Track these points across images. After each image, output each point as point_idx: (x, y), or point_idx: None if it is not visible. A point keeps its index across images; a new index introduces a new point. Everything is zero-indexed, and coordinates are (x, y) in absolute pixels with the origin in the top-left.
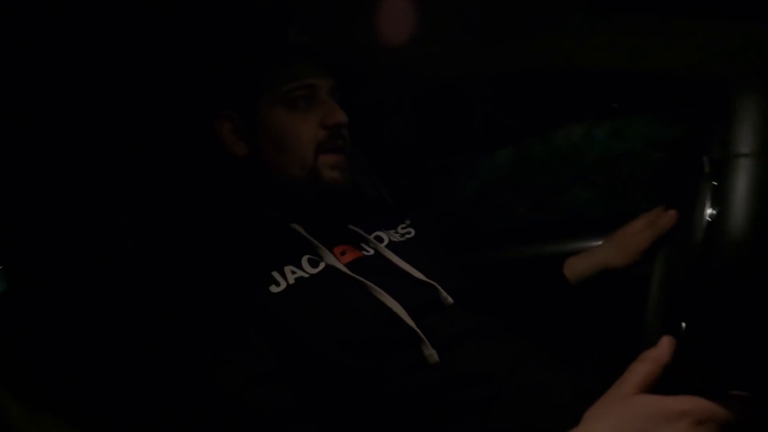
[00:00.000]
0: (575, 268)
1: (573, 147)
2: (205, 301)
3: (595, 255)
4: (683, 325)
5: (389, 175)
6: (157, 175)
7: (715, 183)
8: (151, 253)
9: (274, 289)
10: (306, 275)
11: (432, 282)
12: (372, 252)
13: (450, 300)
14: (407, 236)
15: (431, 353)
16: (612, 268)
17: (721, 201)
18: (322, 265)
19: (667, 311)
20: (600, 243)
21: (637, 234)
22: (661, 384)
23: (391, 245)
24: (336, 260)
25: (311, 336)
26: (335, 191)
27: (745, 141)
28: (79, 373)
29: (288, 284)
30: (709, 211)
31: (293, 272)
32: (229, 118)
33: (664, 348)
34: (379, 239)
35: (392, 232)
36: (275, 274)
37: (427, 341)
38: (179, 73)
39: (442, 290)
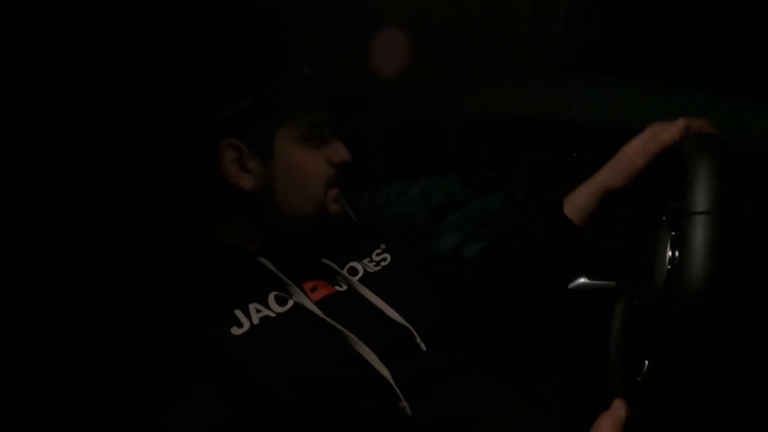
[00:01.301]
0: (576, 202)
1: (387, 202)
2: (155, 343)
3: (592, 182)
4: (646, 363)
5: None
6: (131, 192)
7: (674, 233)
8: (102, 281)
9: (235, 330)
10: (272, 314)
11: (406, 324)
12: (345, 288)
13: (423, 347)
14: (383, 264)
15: (404, 405)
16: (614, 189)
17: (680, 250)
18: (290, 303)
19: (629, 349)
20: None
21: (632, 153)
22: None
23: (366, 277)
24: (305, 298)
25: (274, 382)
26: (337, 222)
27: (700, 201)
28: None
29: (252, 324)
30: (669, 254)
31: (258, 311)
32: (235, 148)
33: (618, 407)
34: (354, 271)
35: (367, 261)
36: (238, 312)
37: (399, 393)
38: (191, 101)
39: (416, 334)
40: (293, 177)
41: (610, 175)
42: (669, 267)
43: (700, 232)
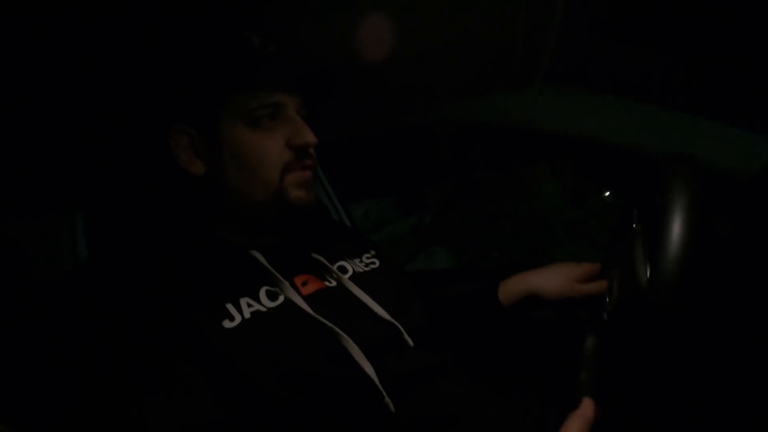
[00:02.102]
0: (508, 290)
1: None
2: (144, 336)
3: (527, 280)
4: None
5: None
6: (106, 188)
7: (647, 236)
8: (90, 271)
9: (227, 324)
10: (263, 309)
11: (394, 322)
12: (335, 283)
13: (411, 342)
14: (372, 266)
15: (388, 402)
16: (540, 295)
17: (653, 253)
18: (281, 299)
19: (602, 353)
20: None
21: (575, 281)
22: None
23: (355, 276)
24: (296, 293)
25: (263, 375)
26: (301, 211)
27: (673, 209)
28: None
29: (243, 318)
30: (643, 257)
31: (249, 305)
32: (185, 134)
33: (587, 407)
34: (343, 269)
35: (356, 261)
36: (230, 306)
37: (383, 390)
38: (133, 82)
39: (404, 331)
40: (241, 160)
41: (545, 283)
42: (645, 268)
43: (669, 237)
